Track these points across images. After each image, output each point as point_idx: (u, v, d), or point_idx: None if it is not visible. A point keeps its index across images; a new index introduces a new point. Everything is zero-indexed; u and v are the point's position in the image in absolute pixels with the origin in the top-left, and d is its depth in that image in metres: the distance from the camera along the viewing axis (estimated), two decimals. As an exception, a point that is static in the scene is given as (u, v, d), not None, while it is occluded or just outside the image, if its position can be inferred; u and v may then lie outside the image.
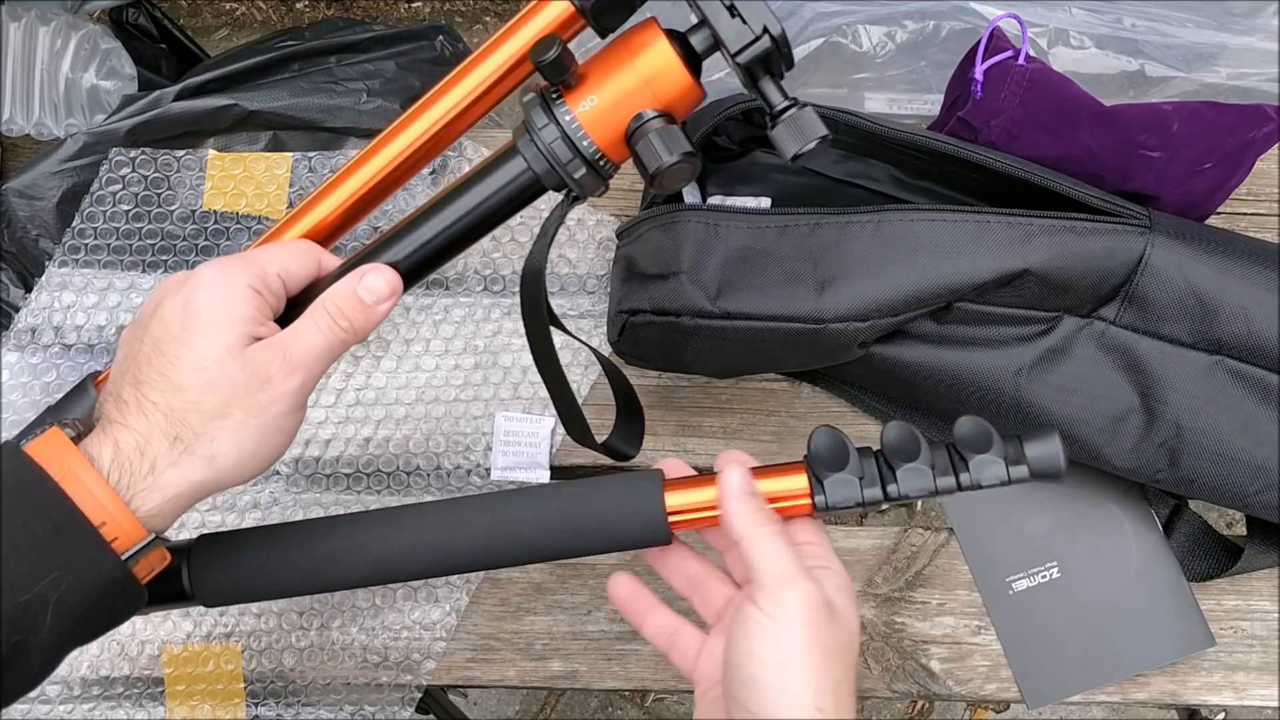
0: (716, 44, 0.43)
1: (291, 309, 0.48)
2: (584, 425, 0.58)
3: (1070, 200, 0.62)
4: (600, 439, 0.61)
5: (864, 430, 0.72)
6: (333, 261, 0.50)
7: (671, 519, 0.48)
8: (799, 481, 0.48)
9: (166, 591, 0.51)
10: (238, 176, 0.73)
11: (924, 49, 0.69)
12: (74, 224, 0.73)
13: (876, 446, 0.48)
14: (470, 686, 0.84)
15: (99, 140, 0.72)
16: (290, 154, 0.74)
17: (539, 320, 0.51)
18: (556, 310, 0.73)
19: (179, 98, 0.72)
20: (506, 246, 0.74)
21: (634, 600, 0.51)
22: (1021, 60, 0.60)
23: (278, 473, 0.70)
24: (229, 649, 0.68)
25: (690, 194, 0.68)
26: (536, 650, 0.68)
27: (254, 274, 0.46)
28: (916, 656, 0.68)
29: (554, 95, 0.45)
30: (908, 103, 0.73)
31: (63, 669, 0.67)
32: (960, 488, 0.46)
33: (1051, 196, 0.62)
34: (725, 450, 0.50)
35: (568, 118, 0.44)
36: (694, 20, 0.44)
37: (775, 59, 0.43)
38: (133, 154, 0.73)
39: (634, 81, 0.44)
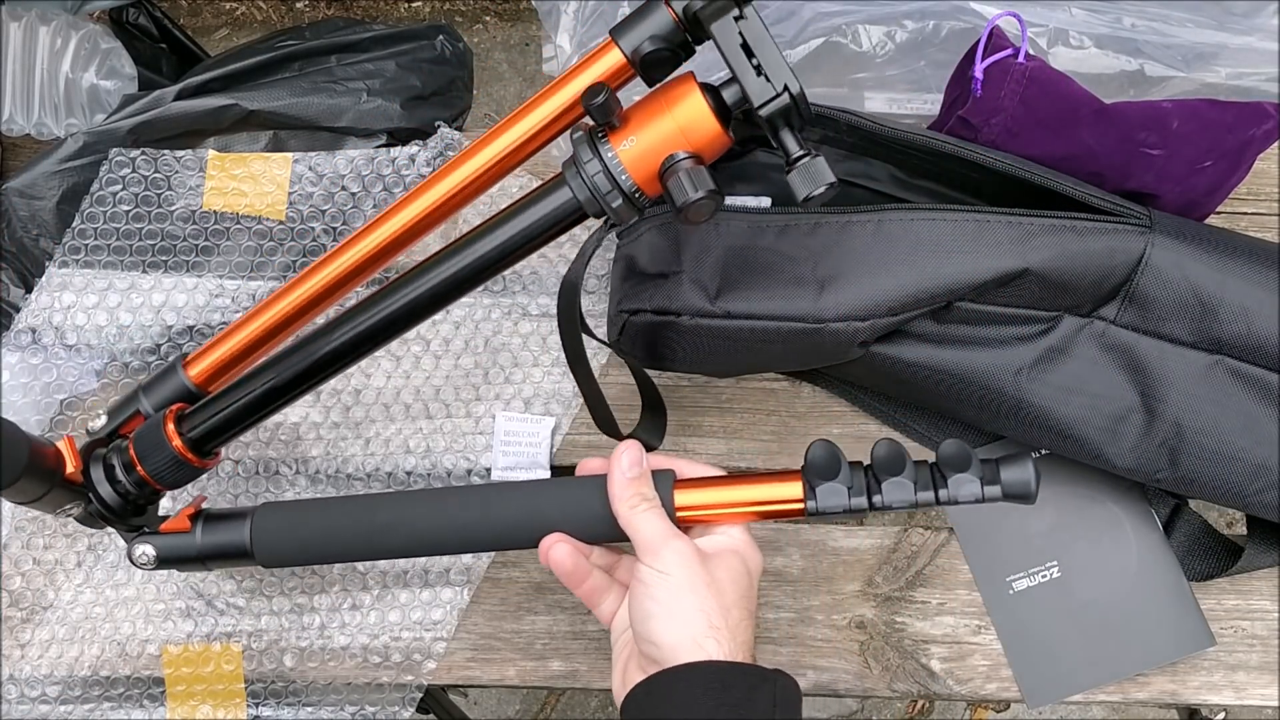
0: (744, 98, 0.49)
1: None
2: (611, 420, 0.64)
3: (1070, 200, 0.62)
4: (626, 432, 0.66)
5: (864, 429, 0.72)
6: None
7: (679, 513, 0.55)
8: (794, 489, 0.54)
9: (229, 550, 0.57)
10: (238, 176, 0.73)
11: (924, 48, 0.69)
12: (74, 224, 0.73)
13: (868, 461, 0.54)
14: (470, 686, 0.84)
15: (99, 140, 0.72)
16: (290, 154, 0.74)
17: (574, 326, 0.57)
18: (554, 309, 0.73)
19: (179, 98, 0.72)
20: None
21: (576, 571, 0.57)
22: (1021, 59, 0.60)
23: (279, 473, 0.70)
24: (229, 649, 0.68)
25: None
26: (537, 650, 0.68)
27: None
28: (917, 656, 0.68)
29: (600, 135, 0.51)
30: (907, 102, 0.73)
31: (63, 669, 0.68)
32: (938, 502, 0.53)
33: (1052, 196, 0.62)
34: (625, 441, 0.56)
35: (610, 155, 0.51)
36: (727, 76, 0.50)
37: (793, 113, 0.48)
38: (133, 154, 0.73)
39: (670, 127, 0.50)
